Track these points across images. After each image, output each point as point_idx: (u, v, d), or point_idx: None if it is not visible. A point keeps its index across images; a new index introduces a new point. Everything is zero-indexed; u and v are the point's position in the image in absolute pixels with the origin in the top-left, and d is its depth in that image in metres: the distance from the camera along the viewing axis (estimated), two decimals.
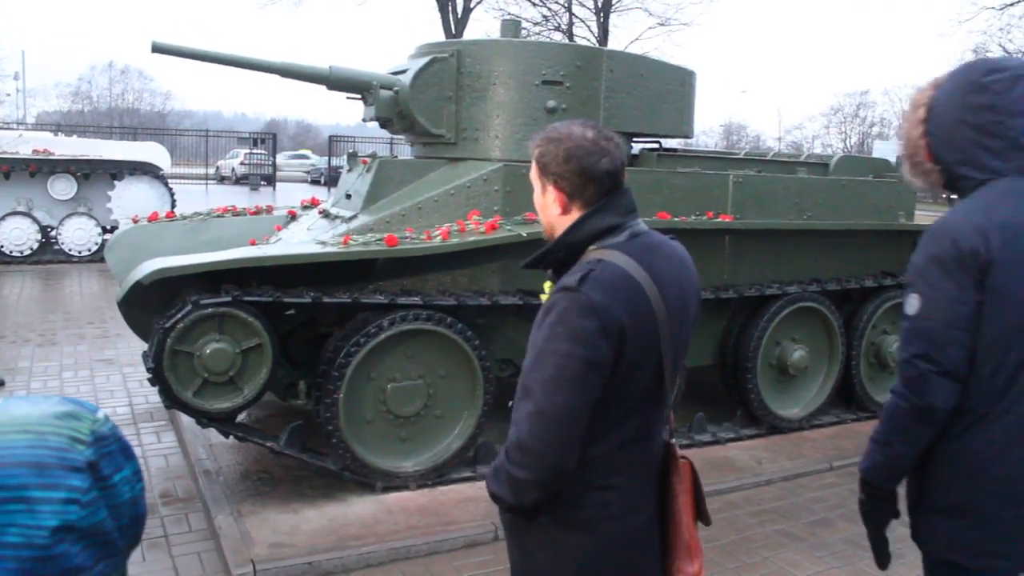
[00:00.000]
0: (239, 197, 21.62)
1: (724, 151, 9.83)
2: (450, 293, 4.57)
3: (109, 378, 6.65)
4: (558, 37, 26.14)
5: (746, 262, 5.61)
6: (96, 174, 12.84)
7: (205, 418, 4.14)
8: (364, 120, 5.52)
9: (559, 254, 1.89)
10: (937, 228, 2.01)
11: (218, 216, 6.12)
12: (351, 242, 4.38)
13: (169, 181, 13.76)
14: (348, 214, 5.02)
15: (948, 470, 2.02)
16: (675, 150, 6.33)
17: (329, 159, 32.86)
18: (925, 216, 10.01)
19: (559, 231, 1.91)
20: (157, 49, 4.97)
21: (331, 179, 29.73)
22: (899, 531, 4.52)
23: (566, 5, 27.02)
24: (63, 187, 12.71)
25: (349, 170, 5.60)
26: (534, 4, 26.49)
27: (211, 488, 4.40)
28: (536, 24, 26.50)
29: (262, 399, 4.29)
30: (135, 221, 6.18)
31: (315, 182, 36.09)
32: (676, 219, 5.06)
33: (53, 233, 12.74)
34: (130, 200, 12.83)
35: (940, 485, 2.05)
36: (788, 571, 3.91)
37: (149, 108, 63.60)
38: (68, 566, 0.95)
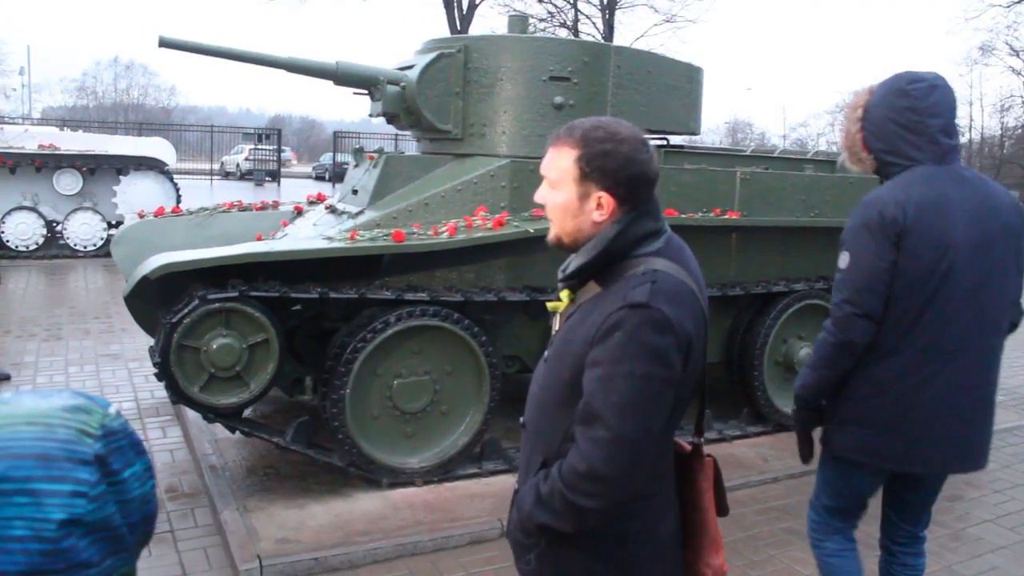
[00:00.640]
0: (244, 193, 21.64)
1: (731, 148, 9.78)
2: (457, 289, 4.57)
3: (115, 373, 6.66)
4: (563, 34, 26.09)
5: (753, 259, 5.59)
6: (102, 169, 12.86)
7: (211, 413, 4.14)
8: (371, 115, 5.51)
9: (601, 265, 1.75)
10: (868, 201, 2.55)
11: (224, 211, 6.12)
12: (358, 238, 4.38)
13: (174, 176, 13.77)
14: (355, 210, 5.01)
15: (859, 391, 2.58)
16: (682, 147, 6.31)
17: (334, 155, 32.88)
18: None
19: (587, 238, 1.77)
20: (164, 44, 4.96)
21: (336, 175, 29.74)
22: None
23: (571, 1, 27.00)
24: (69, 182, 12.73)
25: (356, 165, 5.60)
26: (540, 0, 26.48)
27: (217, 483, 4.40)
28: (541, 20, 26.47)
29: (268, 395, 4.29)
30: (141, 216, 6.19)
31: (320, 178, 36.11)
32: (683, 216, 5.05)
33: (59, 228, 12.76)
34: (135, 195, 12.85)
35: (852, 402, 2.61)
36: (794, 569, 3.90)
37: (154, 103, 63.59)
38: (76, 560, 0.94)
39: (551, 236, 1.86)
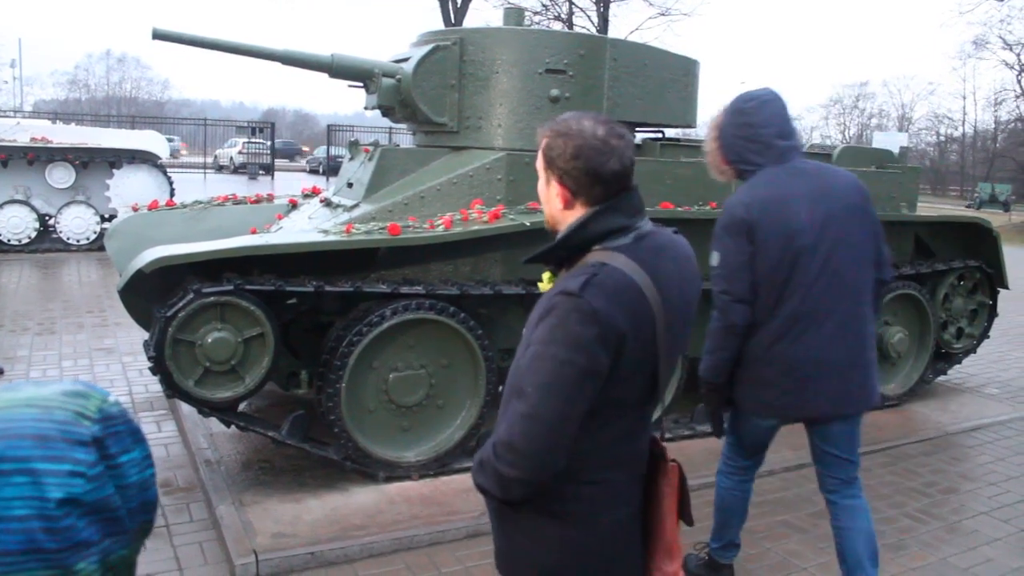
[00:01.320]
0: (237, 186, 21.58)
1: None
2: (453, 282, 4.56)
3: (109, 367, 6.64)
4: (558, 27, 26.06)
5: None
6: (94, 162, 12.80)
7: (207, 407, 4.12)
8: (366, 108, 5.49)
9: (562, 252, 1.86)
10: (725, 206, 3.13)
11: (219, 205, 6.09)
12: (354, 231, 4.36)
13: (168, 170, 13.71)
14: (350, 203, 4.99)
15: (748, 358, 3.11)
16: (678, 140, 6.30)
17: (328, 148, 32.81)
18: (927, 207, 10.01)
19: (561, 226, 1.88)
20: (158, 36, 4.93)
21: (330, 168, 29.68)
22: (903, 522, 4.54)
23: None
24: (61, 175, 12.66)
25: (351, 158, 5.58)
26: None
27: (212, 478, 4.39)
28: (536, 13, 26.42)
29: (264, 389, 4.28)
30: (135, 209, 6.15)
31: (314, 171, 36.05)
32: (679, 209, 5.05)
33: (51, 221, 12.70)
34: (128, 188, 12.80)
35: (745, 368, 3.13)
36: (790, 562, 3.91)
37: (147, 97, 63.46)
38: (75, 539, 0.96)
39: (545, 222, 1.99)
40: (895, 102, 62.04)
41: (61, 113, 34.54)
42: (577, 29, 25.59)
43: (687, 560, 3.63)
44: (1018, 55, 36.81)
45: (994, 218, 12.94)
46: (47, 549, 0.93)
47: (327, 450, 4.37)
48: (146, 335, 4.52)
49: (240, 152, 33.42)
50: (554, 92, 5.04)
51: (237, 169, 32.96)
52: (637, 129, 5.81)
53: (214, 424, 4.78)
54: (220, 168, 34.39)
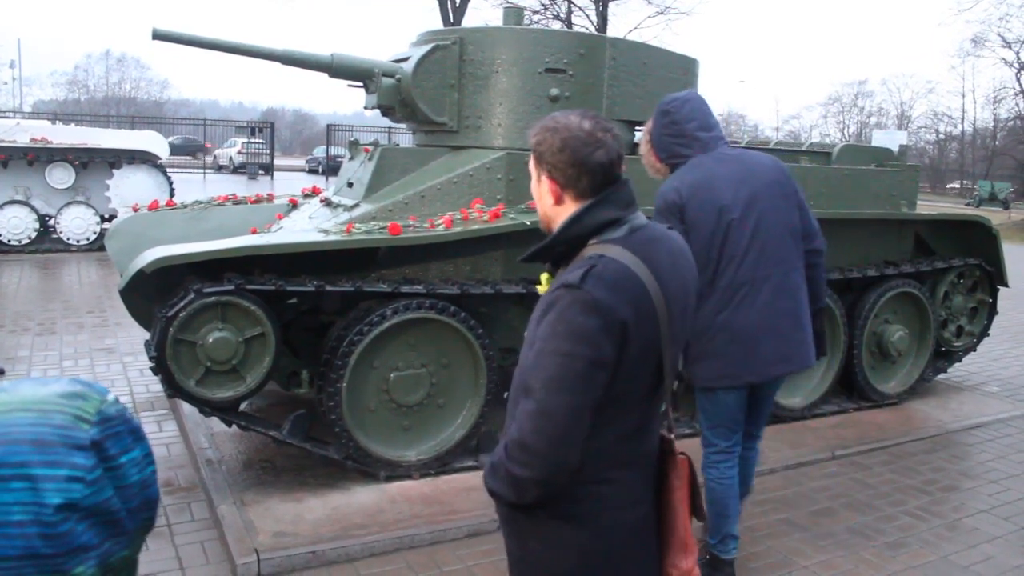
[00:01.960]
0: (237, 186, 21.57)
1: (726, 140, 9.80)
2: (453, 282, 4.56)
3: (109, 367, 6.64)
4: (556, 26, 26.05)
5: None
6: (94, 163, 12.79)
7: (208, 407, 4.12)
8: (366, 108, 5.49)
9: (559, 248, 1.87)
10: (658, 192, 3.38)
11: (219, 204, 6.08)
12: (354, 230, 4.36)
13: (167, 170, 13.70)
14: (350, 202, 4.99)
15: (695, 334, 3.26)
16: None
17: (327, 148, 32.79)
18: (927, 205, 10.00)
19: (555, 223, 1.89)
20: (158, 36, 4.93)
21: (329, 168, 29.66)
22: (903, 520, 4.54)
23: None
24: (61, 176, 12.66)
25: (351, 158, 5.58)
26: None
27: (213, 477, 4.40)
28: (535, 13, 26.41)
29: (265, 388, 4.28)
30: (135, 210, 6.15)
31: (313, 171, 36.04)
32: None
33: (51, 222, 12.70)
34: (128, 189, 12.78)
35: (694, 345, 3.31)
36: (792, 560, 3.92)
37: (146, 97, 63.41)
38: (74, 544, 0.95)
39: (539, 222, 2.01)
40: (894, 100, 62.04)
41: (60, 113, 34.51)
42: (576, 28, 25.59)
43: None
44: (1017, 53, 36.81)
45: (994, 216, 12.95)
46: (45, 555, 0.92)
47: (328, 449, 4.37)
48: (147, 335, 4.53)
49: (239, 152, 33.40)
50: (554, 91, 5.04)
51: (236, 169, 32.95)
52: (637, 128, 5.82)
53: (215, 424, 4.79)
54: (219, 168, 34.37)
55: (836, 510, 4.48)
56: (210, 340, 3.94)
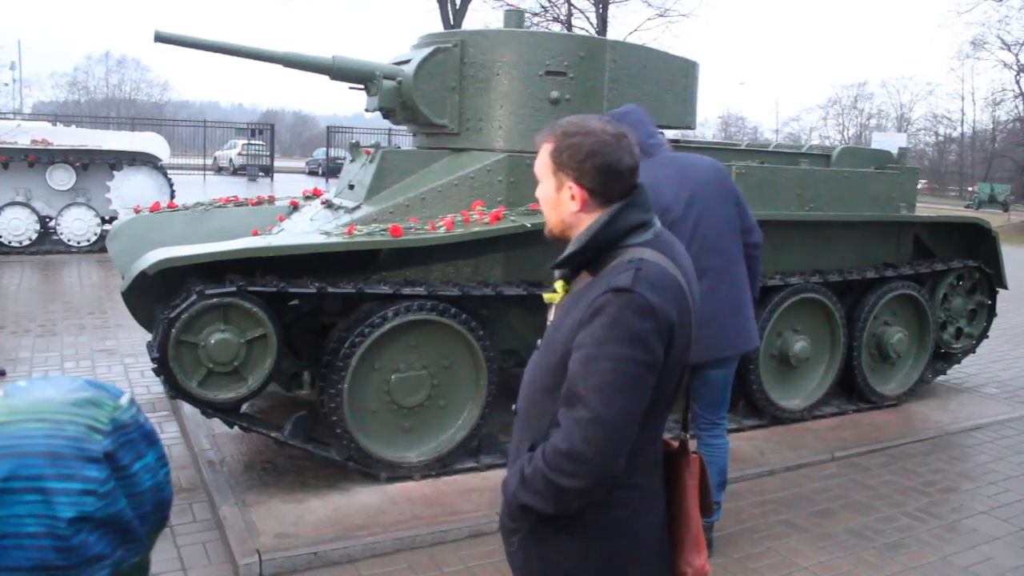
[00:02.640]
0: (237, 188, 21.58)
1: (726, 142, 9.82)
2: (454, 284, 4.57)
3: (111, 368, 6.65)
4: (556, 28, 26.07)
5: None
6: (95, 164, 12.80)
7: (209, 408, 4.14)
8: (367, 110, 5.50)
9: (590, 253, 1.82)
10: None
11: (220, 206, 6.10)
12: (355, 232, 4.38)
13: (167, 172, 13.71)
14: (351, 204, 5.01)
15: None
16: (677, 141, 6.32)
17: (327, 150, 32.80)
18: (925, 208, 10.02)
19: (574, 229, 1.85)
20: (160, 39, 4.94)
21: (329, 170, 29.65)
22: (903, 521, 4.55)
23: None
24: (62, 177, 12.67)
25: (352, 160, 5.59)
26: None
27: (215, 478, 4.41)
28: (535, 15, 26.43)
29: (266, 389, 4.29)
30: (137, 211, 6.17)
31: (312, 173, 36.04)
32: None
33: (52, 223, 12.71)
34: (129, 190, 12.79)
35: None
36: (792, 561, 3.93)
37: (146, 99, 63.41)
38: (87, 555, 0.95)
39: (545, 229, 1.96)
40: (893, 102, 62.01)
41: (61, 115, 34.50)
42: (576, 30, 25.60)
43: None
44: (1016, 55, 36.86)
45: (993, 218, 12.96)
46: (58, 566, 0.93)
47: (329, 451, 4.38)
48: (149, 337, 4.54)
49: (239, 154, 33.41)
50: (554, 94, 5.06)
51: (236, 171, 32.96)
52: None
53: (216, 425, 4.80)
54: (219, 170, 34.38)
55: (836, 511, 4.49)
56: (212, 341, 3.95)
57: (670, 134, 6.37)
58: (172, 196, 12.67)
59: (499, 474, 4.59)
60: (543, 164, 1.87)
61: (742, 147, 6.77)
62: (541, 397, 1.83)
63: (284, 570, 3.63)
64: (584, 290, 1.79)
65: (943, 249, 6.67)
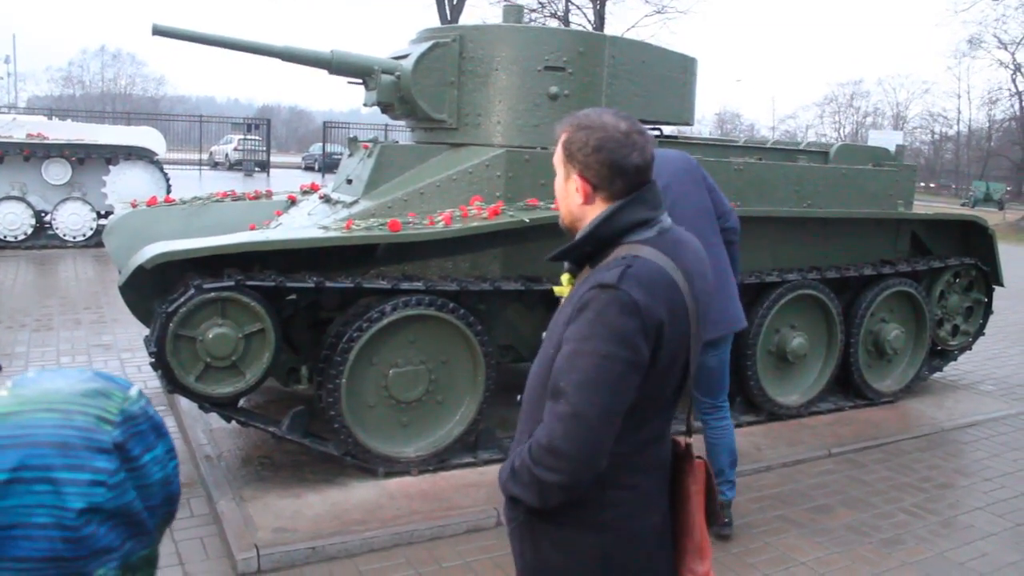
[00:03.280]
0: (233, 183, 21.53)
1: (724, 138, 9.84)
2: (452, 279, 4.57)
3: (107, 363, 6.64)
4: (554, 24, 26.04)
5: (746, 249, 5.56)
6: (91, 159, 12.75)
7: (207, 403, 4.13)
8: (365, 105, 5.49)
9: (588, 248, 1.81)
10: None
11: (217, 201, 6.08)
12: (353, 227, 4.37)
13: (164, 166, 13.68)
14: (349, 199, 5.00)
15: None
16: (675, 137, 6.32)
17: (323, 146, 32.75)
18: (923, 205, 10.03)
19: (581, 222, 1.85)
20: (158, 32, 4.93)
21: (325, 165, 29.61)
22: (899, 517, 4.56)
23: None
24: (57, 172, 12.62)
25: (350, 155, 5.58)
26: None
27: (213, 473, 4.40)
28: (532, 11, 26.41)
29: (264, 384, 4.29)
30: (134, 206, 6.15)
31: (309, 168, 35.99)
32: None
33: (47, 218, 12.66)
34: (125, 185, 12.75)
35: None
36: (789, 556, 3.94)
37: (142, 93, 63.26)
38: (96, 547, 0.94)
39: (559, 220, 1.95)
40: (890, 100, 62.17)
41: (56, 109, 34.43)
42: (573, 26, 25.58)
43: None
44: (1013, 54, 36.93)
45: (989, 216, 12.99)
46: (67, 558, 0.92)
47: (327, 445, 4.38)
48: (145, 331, 4.53)
49: (235, 149, 33.34)
50: (553, 89, 5.05)
51: (232, 166, 32.89)
52: None
53: (214, 420, 4.79)
54: (215, 165, 34.31)
55: (833, 507, 4.50)
56: (210, 336, 3.95)
57: (668, 130, 6.38)
58: (168, 191, 12.61)
59: (496, 469, 4.58)
60: (557, 154, 1.87)
61: (740, 143, 6.77)
62: (540, 390, 1.82)
63: (282, 565, 3.62)
64: (579, 284, 1.79)
65: (940, 246, 6.68)
